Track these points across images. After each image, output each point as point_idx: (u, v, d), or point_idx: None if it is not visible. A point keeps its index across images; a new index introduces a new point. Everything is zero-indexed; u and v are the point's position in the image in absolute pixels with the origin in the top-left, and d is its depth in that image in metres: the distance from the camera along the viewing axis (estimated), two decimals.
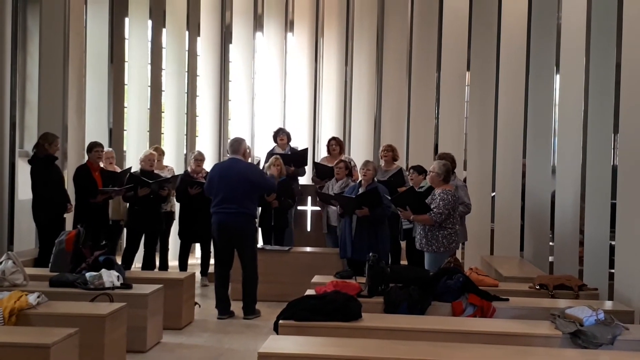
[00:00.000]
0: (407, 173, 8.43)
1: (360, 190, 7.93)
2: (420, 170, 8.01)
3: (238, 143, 7.69)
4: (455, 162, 8.19)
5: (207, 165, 9.54)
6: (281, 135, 10.08)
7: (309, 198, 9.73)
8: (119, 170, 9.14)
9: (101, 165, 8.76)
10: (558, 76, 9.05)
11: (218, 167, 7.86)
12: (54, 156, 8.17)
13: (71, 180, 8.67)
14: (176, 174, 9.54)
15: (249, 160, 9.36)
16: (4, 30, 9.05)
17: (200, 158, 9.27)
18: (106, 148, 9.41)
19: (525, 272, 7.98)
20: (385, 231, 7.94)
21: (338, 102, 12.16)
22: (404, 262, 8.82)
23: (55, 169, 8.26)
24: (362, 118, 11.95)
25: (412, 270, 6.39)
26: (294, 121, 12.11)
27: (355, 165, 9.57)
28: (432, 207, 6.93)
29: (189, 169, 9.31)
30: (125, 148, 11.71)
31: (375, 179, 8.12)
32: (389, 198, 7.66)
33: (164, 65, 12.12)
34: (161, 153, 9.73)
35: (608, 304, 6.02)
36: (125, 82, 11.85)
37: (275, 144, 10.11)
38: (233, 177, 7.44)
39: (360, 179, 8.13)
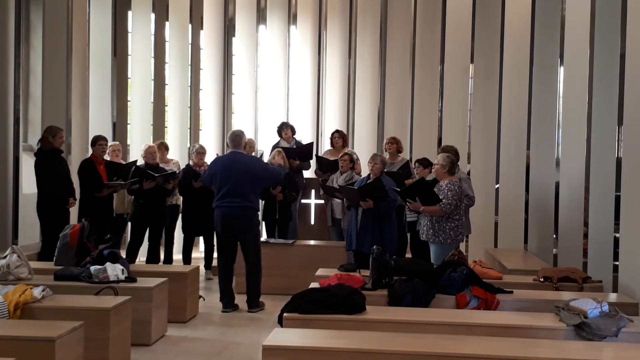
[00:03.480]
0: (414, 166, 8.41)
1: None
2: (426, 163, 7.99)
3: (239, 137, 7.68)
4: (459, 154, 8.18)
5: (209, 159, 9.55)
6: (285, 129, 10.08)
7: (313, 191, 9.74)
8: (124, 163, 9.16)
9: (107, 158, 8.78)
10: (562, 68, 9.03)
11: (220, 160, 7.84)
12: (59, 149, 8.17)
13: (76, 173, 8.68)
14: (182, 167, 9.56)
15: (253, 153, 9.37)
16: (7, 24, 9.07)
17: (202, 151, 9.27)
18: (112, 141, 9.45)
19: (529, 265, 7.98)
20: (392, 224, 7.91)
21: (341, 95, 12.13)
22: (408, 254, 8.82)
23: (61, 162, 8.26)
24: (366, 111, 11.92)
25: (416, 263, 6.39)
26: (298, 114, 12.10)
27: (358, 159, 9.56)
28: (440, 197, 6.94)
29: (191, 162, 9.31)
30: (129, 142, 11.72)
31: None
32: (395, 190, 7.65)
33: (167, 59, 12.13)
34: (165, 147, 9.74)
35: (612, 296, 6.01)
36: (129, 75, 11.86)
37: (280, 138, 10.10)
38: (236, 171, 7.43)
39: (368, 172, 8.12)
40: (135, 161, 9.14)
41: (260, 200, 8.45)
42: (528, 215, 9.91)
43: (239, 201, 7.41)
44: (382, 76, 11.94)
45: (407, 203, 7.33)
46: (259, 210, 7.96)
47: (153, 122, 11.81)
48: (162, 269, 7.71)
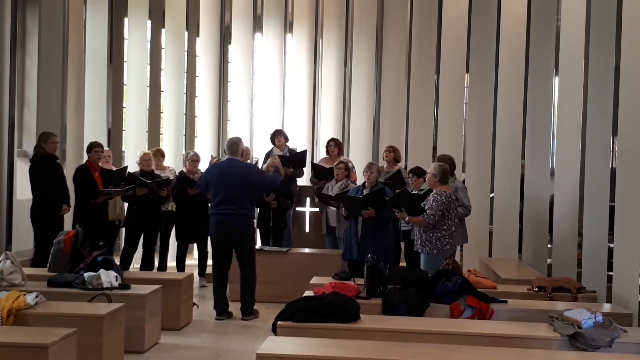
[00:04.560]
0: (408, 176, 8.41)
1: (365, 192, 7.94)
2: (419, 173, 7.97)
3: (236, 144, 7.68)
4: (455, 163, 8.19)
5: (203, 166, 9.55)
6: (279, 136, 10.08)
7: (308, 199, 9.73)
8: (115, 169, 9.15)
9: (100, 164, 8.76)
10: (557, 78, 9.05)
11: (216, 167, 7.83)
12: (54, 155, 8.17)
13: (71, 180, 8.66)
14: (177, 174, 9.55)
15: (248, 161, 9.36)
16: (3, 29, 9.05)
17: (196, 159, 9.26)
18: (105, 147, 9.43)
19: (523, 274, 7.98)
20: (391, 233, 7.95)
21: (337, 103, 12.15)
22: (402, 263, 8.82)
23: (55, 168, 8.26)
24: (361, 119, 11.95)
25: (411, 272, 6.38)
26: (293, 122, 12.11)
27: (353, 167, 9.57)
28: (425, 208, 6.94)
29: (184, 170, 9.30)
30: (124, 148, 11.72)
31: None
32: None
33: (163, 66, 12.13)
34: (161, 154, 9.73)
35: (606, 307, 6.03)
36: (124, 82, 11.85)
37: (273, 146, 10.11)
38: (232, 178, 7.42)
39: (364, 180, 8.13)
40: (126, 167, 9.12)
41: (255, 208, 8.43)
42: (522, 225, 9.92)
43: (234, 208, 7.40)
44: (377, 85, 11.97)
45: (395, 212, 7.36)
46: (254, 218, 7.95)
47: (148, 129, 11.79)
48: (156, 276, 7.68)
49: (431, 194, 7.04)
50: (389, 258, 7.26)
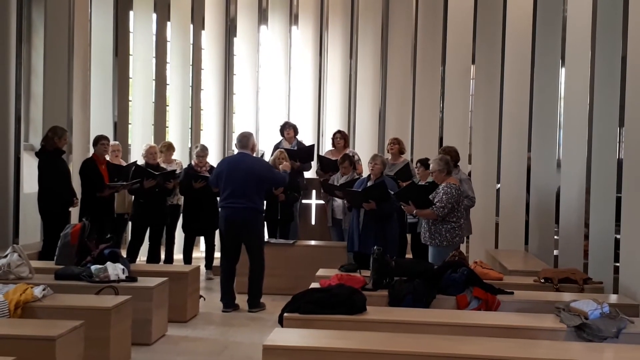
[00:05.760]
0: (415, 166, 8.38)
1: (369, 184, 7.93)
2: (427, 164, 7.94)
3: (246, 138, 7.71)
4: (459, 155, 8.18)
5: (211, 159, 9.56)
6: (288, 129, 10.07)
7: (314, 191, 9.74)
8: (124, 164, 9.17)
9: (107, 158, 8.78)
10: (563, 69, 9.03)
11: (226, 161, 7.87)
12: (62, 150, 8.19)
13: (77, 173, 8.69)
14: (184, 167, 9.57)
15: (254, 154, 9.36)
16: (9, 23, 9.08)
17: (202, 154, 9.25)
18: (112, 141, 9.46)
19: (529, 266, 7.97)
20: (394, 225, 7.93)
21: (342, 95, 12.13)
22: (408, 255, 8.82)
23: (61, 162, 8.28)
24: (367, 111, 11.92)
25: (417, 264, 6.39)
26: (299, 114, 12.08)
27: (359, 159, 9.56)
28: (435, 201, 6.92)
29: (192, 163, 9.32)
30: (130, 142, 11.74)
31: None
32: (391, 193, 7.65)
33: (168, 59, 12.14)
34: (172, 148, 9.71)
35: (613, 298, 6.02)
36: (130, 75, 11.87)
37: (282, 138, 10.10)
38: (241, 172, 7.45)
39: (369, 172, 8.12)
40: (136, 162, 9.15)
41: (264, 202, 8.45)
42: (529, 216, 9.90)
43: (243, 202, 7.42)
44: (383, 77, 11.93)
45: (402, 206, 7.34)
46: (263, 212, 7.96)
47: (154, 122, 11.82)
48: (162, 269, 7.71)
49: (441, 187, 7.01)
50: (391, 250, 7.23)
